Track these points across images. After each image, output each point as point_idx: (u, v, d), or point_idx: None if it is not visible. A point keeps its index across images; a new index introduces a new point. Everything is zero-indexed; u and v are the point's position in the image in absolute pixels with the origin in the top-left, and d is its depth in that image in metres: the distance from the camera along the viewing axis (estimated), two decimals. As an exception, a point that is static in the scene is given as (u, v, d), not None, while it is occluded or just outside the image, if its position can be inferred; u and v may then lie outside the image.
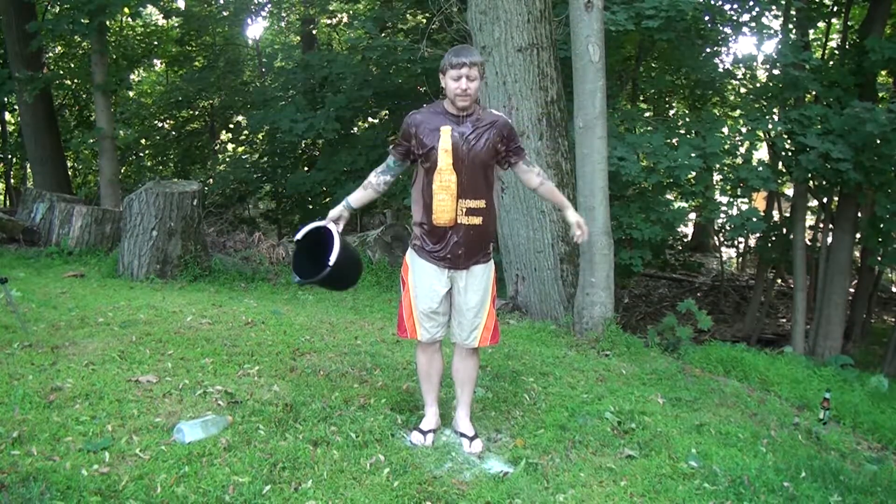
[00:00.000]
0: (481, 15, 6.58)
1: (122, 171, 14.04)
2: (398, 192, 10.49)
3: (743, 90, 10.11)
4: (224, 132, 16.11)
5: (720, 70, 9.65)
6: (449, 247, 3.14)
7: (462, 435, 3.36)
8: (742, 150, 8.10)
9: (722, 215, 8.24)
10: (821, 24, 10.74)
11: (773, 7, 8.29)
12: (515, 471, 3.14)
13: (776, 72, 8.86)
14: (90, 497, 2.55)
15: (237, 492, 2.68)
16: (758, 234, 10.45)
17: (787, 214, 11.86)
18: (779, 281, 12.48)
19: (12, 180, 15.42)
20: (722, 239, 14.14)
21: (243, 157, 14.30)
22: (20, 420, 3.10)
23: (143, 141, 15.29)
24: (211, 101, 14.58)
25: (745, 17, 8.41)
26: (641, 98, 11.82)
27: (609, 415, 3.87)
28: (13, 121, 15.13)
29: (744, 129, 8.24)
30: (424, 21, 10.99)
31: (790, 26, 8.81)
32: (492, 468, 3.16)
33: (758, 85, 9.50)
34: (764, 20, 8.40)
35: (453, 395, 3.58)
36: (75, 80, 13.45)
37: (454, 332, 3.30)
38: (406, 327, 3.27)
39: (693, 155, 7.29)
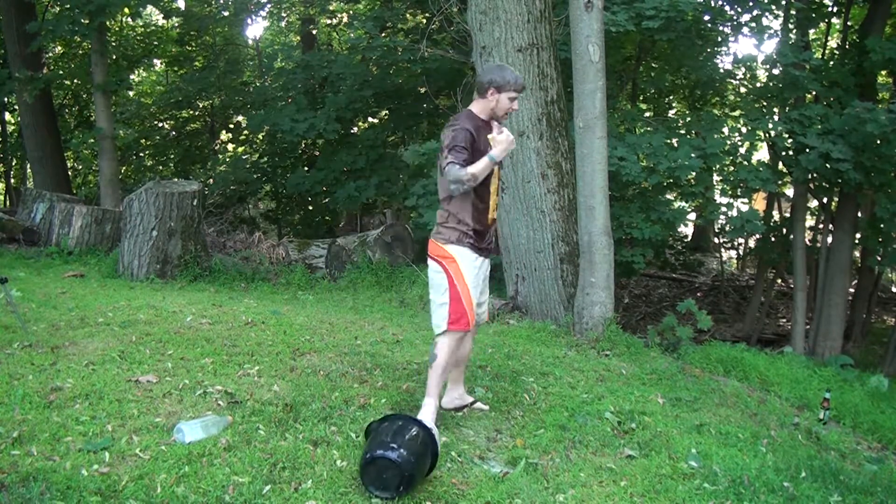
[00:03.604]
0: (481, 15, 6.58)
1: (122, 171, 14.03)
2: (398, 193, 10.50)
3: (743, 90, 10.10)
4: (224, 132, 16.10)
5: (720, 70, 9.65)
6: (488, 238, 3.54)
7: (473, 403, 3.80)
8: (742, 150, 8.10)
9: (722, 216, 8.24)
10: (821, 25, 10.74)
11: (773, 7, 8.29)
12: (515, 471, 3.14)
13: (776, 72, 8.86)
14: (90, 497, 2.55)
15: (237, 492, 2.68)
16: (758, 235, 10.45)
17: (787, 215, 11.86)
18: (779, 281, 12.48)
19: (12, 180, 15.42)
20: (722, 240, 14.14)
21: (243, 157, 14.29)
22: (20, 420, 3.10)
23: (143, 141, 15.27)
24: (211, 102, 14.56)
25: (745, 18, 8.40)
26: (641, 98, 11.81)
27: (609, 415, 3.87)
28: (13, 121, 15.12)
29: (744, 130, 8.23)
30: (424, 21, 10.98)
31: (790, 26, 8.81)
32: (492, 468, 3.16)
33: (758, 85, 9.50)
34: (764, 20, 8.40)
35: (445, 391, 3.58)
36: (75, 80, 13.45)
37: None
38: (468, 319, 3.44)
39: (693, 155, 7.28)
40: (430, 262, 3.54)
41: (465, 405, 3.77)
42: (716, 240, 15.02)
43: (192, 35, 14.42)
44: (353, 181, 10.70)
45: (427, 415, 3.38)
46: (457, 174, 3.24)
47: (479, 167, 3.27)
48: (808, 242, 9.74)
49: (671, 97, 12.68)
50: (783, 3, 8.52)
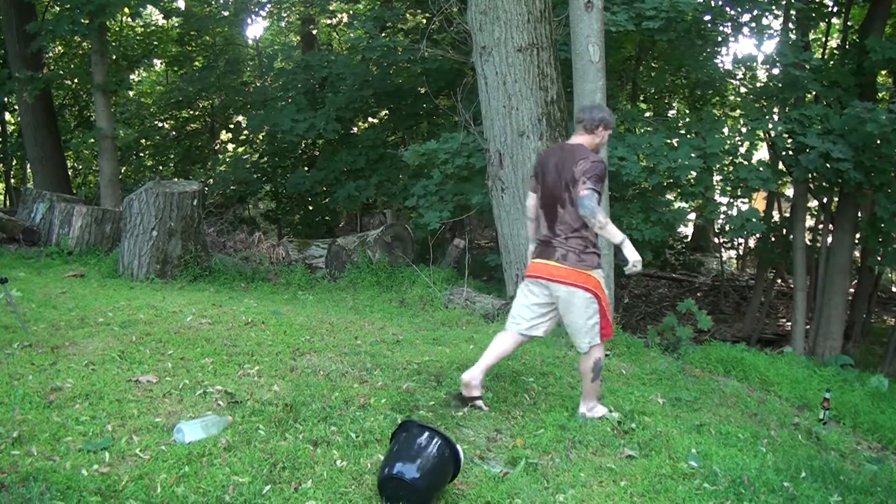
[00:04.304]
0: (481, 15, 6.58)
1: (122, 171, 14.02)
2: (398, 193, 10.50)
3: (743, 90, 10.10)
4: (224, 132, 16.09)
5: (720, 70, 9.64)
6: None
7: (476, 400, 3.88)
8: (742, 150, 8.10)
9: (722, 216, 8.24)
10: (821, 25, 10.74)
11: (773, 7, 8.29)
12: (515, 471, 3.13)
13: (776, 72, 8.86)
14: (90, 497, 2.55)
15: (237, 492, 2.68)
16: (758, 235, 10.45)
17: (787, 215, 11.86)
18: (779, 281, 12.48)
19: (12, 180, 15.40)
20: (722, 240, 14.13)
21: (243, 157, 14.28)
22: (20, 420, 3.10)
23: (143, 141, 15.26)
24: (211, 102, 14.55)
25: (745, 18, 8.40)
26: (641, 98, 11.81)
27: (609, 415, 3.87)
28: (13, 121, 15.12)
29: (744, 130, 8.23)
30: (424, 21, 10.98)
31: (790, 26, 8.81)
32: (492, 468, 3.16)
33: (758, 85, 9.49)
34: (764, 20, 8.40)
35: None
36: (75, 80, 13.43)
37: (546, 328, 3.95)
38: (611, 328, 3.87)
39: (693, 155, 7.28)
40: (576, 290, 3.70)
41: (471, 397, 3.80)
42: (716, 240, 15.03)
43: (192, 35, 14.39)
44: (353, 181, 10.70)
45: (602, 411, 3.85)
46: (595, 209, 3.53)
47: (613, 233, 3.60)
48: (808, 242, 9.74)
49: (671, 97, 12.68)
50: (783, 3, 8.52)
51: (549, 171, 3.76)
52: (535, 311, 3.88)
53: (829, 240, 9.46)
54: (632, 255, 3.61)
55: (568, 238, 3.68)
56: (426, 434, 2.87)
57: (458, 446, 2.89)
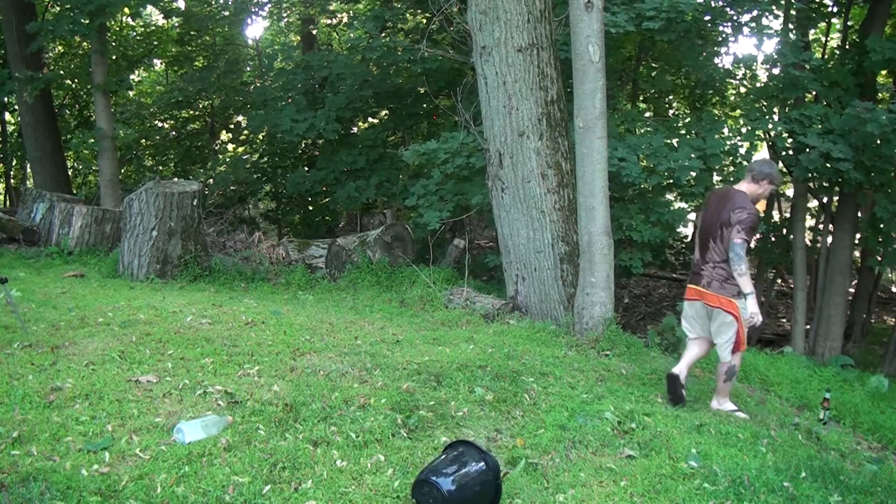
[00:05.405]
0: (481, 15, 6.58)
1: (122, 171, 14.02)
2: (398, 193, 10.50)
3: (743, 90, 10.10)
4: (224, 132, 16.09)
5: (720, 70, 9.64)
6: None
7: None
8: (742, 150, 8.10)
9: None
10: (821, 24, 10.74)
11: (773, 7, 8.29)
12: (515, 471, 3.13)
13: (776, 72, 8.86)
14: (90, 497, 2.55)
15: (237, 492, 2.68)
16: (758, 235, 10.44)
17: (787, 215, 11.86)
18: (779, 281, 12.48)
19: (12, 180, 15.41)
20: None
21: (243, 157, 14.28)
22: (20, 420, 3.11)
23: (143, 141, 15.25)
24: (211, 102, 14.56)
25: (746, 18, 8.40)
26: (641, 98, 11.80)
27: (609, 415, 3.87)
28: (13, 121, 15.12)
29: (744, 130, 8.23)
30: (424, 21, 10.99)
31: (790, 26, 8.81)
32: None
33: (758, 85, 9.49)
34: (764, 20, 8.40)
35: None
36: (75, 80, 13.44)
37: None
38: (745, 343, 4.39)
39: (693, 156, 7.28)
40: (720, 311, 4.31)
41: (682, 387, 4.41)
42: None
43: (192, 35, 14.40)
44: (353, 181, 10.70)
45: (731, 406, 4.42)
46: (742, 258, 4.12)
47: (746, 283, 4.17)
48: (808, 242, 9.74)
49: (671, 97, 12.67)
50: (783, 3, 8.51)
51: (710, 208, 4.41)
52: (694, 322, 4.55)
53: (829, 240, 9.46)
54: (752, 307, 4.19)
55: (714, 267, 4.33)
56: (470, 453, 2.89)
57: (502, 484, 2.89)
